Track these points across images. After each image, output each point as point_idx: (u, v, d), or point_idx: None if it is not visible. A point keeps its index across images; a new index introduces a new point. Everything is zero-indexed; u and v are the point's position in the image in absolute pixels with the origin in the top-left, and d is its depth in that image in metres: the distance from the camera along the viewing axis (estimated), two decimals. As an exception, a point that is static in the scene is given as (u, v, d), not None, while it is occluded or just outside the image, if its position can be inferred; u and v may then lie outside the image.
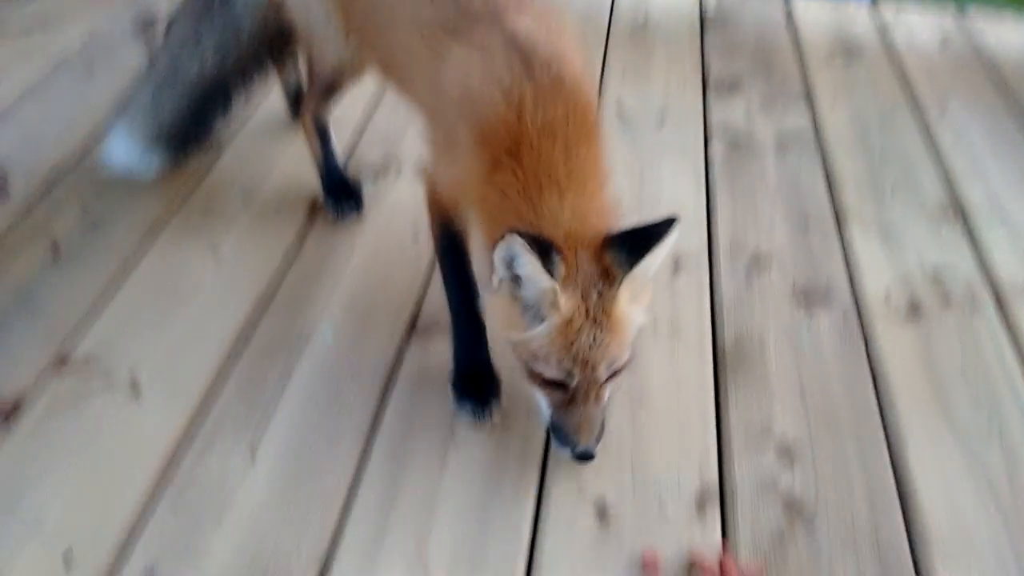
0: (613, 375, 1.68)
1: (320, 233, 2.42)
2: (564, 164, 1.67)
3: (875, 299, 2.31)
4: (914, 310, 2.28)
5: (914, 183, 2.79)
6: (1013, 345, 2.19)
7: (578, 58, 1.82)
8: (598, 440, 1.71)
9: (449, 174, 1.87)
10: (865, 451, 1.90)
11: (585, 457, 1.71)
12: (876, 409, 2.00)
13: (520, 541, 1.69)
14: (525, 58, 1.71)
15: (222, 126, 2.52)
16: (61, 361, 1.99)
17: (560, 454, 1.74)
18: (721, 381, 2.05)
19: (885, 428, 1.96)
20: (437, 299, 2.09)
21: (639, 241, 1.61)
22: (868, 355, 2.14)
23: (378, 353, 2.06)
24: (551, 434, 1.75)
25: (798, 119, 3.09)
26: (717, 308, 2.26)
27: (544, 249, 1.55)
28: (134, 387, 1.94)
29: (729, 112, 3.10)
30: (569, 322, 1.60)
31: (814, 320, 2.23)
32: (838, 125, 3.07)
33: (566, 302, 1.59)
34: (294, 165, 2.63)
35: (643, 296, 1.69)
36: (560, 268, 1.57)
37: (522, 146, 1.67)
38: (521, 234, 1.53)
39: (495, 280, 1.65)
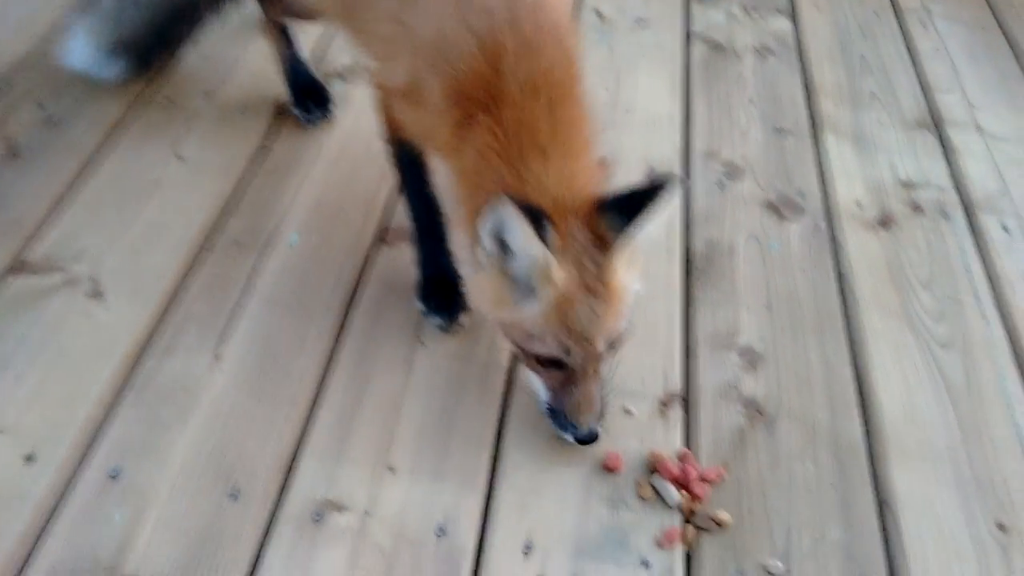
0: (611, 347, 1.59)
1: (286, 134, 2.36)
2: (548, 123, 1.52)
3: (846, 208, 2.30)
4: (884, 219, 2.28)
5: (892, 92, 2.76)
6: (979, 255, 2.21)
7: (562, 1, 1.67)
8: (600, 419, 1.62)
9: (411, 118, 1.72)
10: (828, 356, 1.92)
11: (589, 440, 1.61)
12: (841, 315, 2.01)
13: (484, 445, 1.70)
14: (509, 4, 1.54)
15: (188, 44, 2.44)
16: (20, 260, 1.95)
17: (563, 439, 1.65)
18: (690, 287, 2.05)
19: (849, 334, 1.98)
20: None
21: (634, 204, 1.47)
22: (836, 262, 2.15)
23: (345, 256, 2.04)
24: (549, 418, 1.65)
25: (779, 25, 3.02)
26: (689, 213, 2.24)
27: (536, 217, 1.42)
28: (95, 287, 1.91)
29: (709, 17, 3.02)
30: (565, 296, 1.48)
31: (784, 228, 2.22)
32: (819, 32, 3.01)
33: (560, 273, 1.47)
34: (260, 63, 2.55)
35: (637, 260, 1.57)
36: (553, 237, 1.44)
37: (503, 103, 1.52)
38: (512, 200, 1.39)
39: (479, 254, 1.52)
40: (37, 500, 1.54)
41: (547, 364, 1.57)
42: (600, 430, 1.62)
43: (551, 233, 1.44)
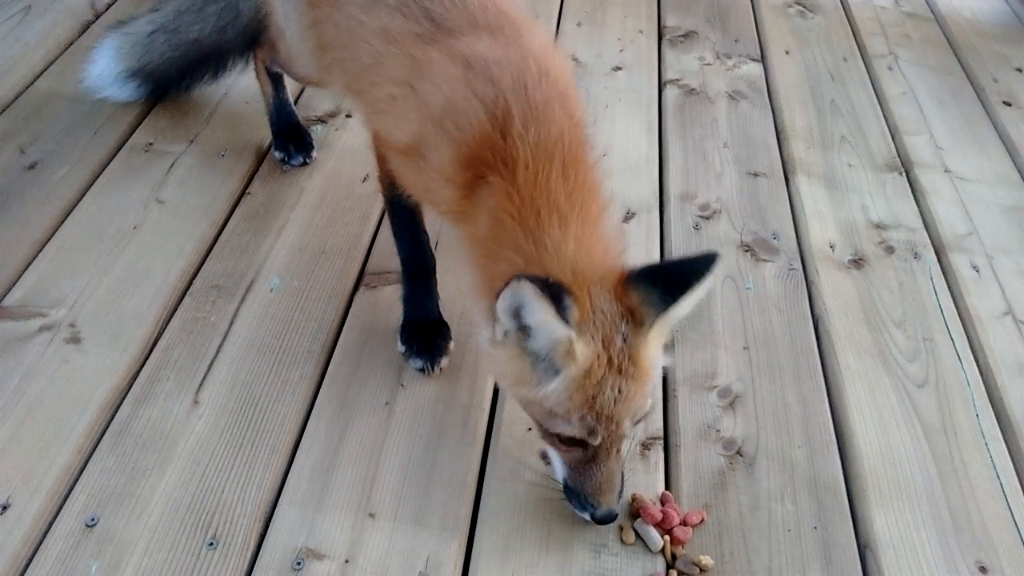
0: (635, 425, 1.52)
1: (267, 178, 2.38)
2: (563, 188, 1.49)
3: (819, 249, 2.34)
4: (857, 259, 2.32)
5: (861, 135, 2.82)
6: (950, 294, 2.25)
7: (566, 68, 1.68)
8: (620, 497, 1.55)
9: (411, 176, 1.72)
10: (805, 395, 1.94)
11: (608, 520, 1.54)
12: (817, 355, 2.04)
13: (466, 488, 1.70)
14: (516, 75, 1.55)
15: (206, 86, 2.54)
16: (-4, 306, 1.94)
17: (579, 517, 1.58)
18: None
19: (825, 374, 2.00)
20: (387, 245, 2.06)
21: (671, 278, 1.44)
22: (811, 303, 2.18)
23: (326, 300, 2.04)
24: (566, 495, 1.57)
25: (751, 70, 3.09)
26: (667, 255, 2.27)
27: (555, 294, 1.35)
28: (73, 333, 1.90)
29: (683, 63, 3.09)
30: (589, 373, 1.41)
31: (760, 269, 2.26)
32: (789, 77, 3.09)
33: (584, 350, 1.40)
34: (241, 108, 2.57)
35: (665, 334, 1.52)
36: (574, 312, 1.38)
37: (516, 167, 1.50)
38: (530, 279, 1.34)
39: (498, 331, 1.46)
40: (12, 550, 1.52)
41: (569, 443, 1.50)
42: (619, 509, 1.55)
43: (573, 309, 1.38)
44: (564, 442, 1.50)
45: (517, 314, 1.40)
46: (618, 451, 1.51)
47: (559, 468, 1.57)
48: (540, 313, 1.36)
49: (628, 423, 1.47)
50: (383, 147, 1.81)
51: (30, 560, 1.51)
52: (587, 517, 1.55)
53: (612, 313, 1.42)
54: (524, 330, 1.43)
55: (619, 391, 1.42)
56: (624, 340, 1.42)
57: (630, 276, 1.45)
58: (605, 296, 1.43)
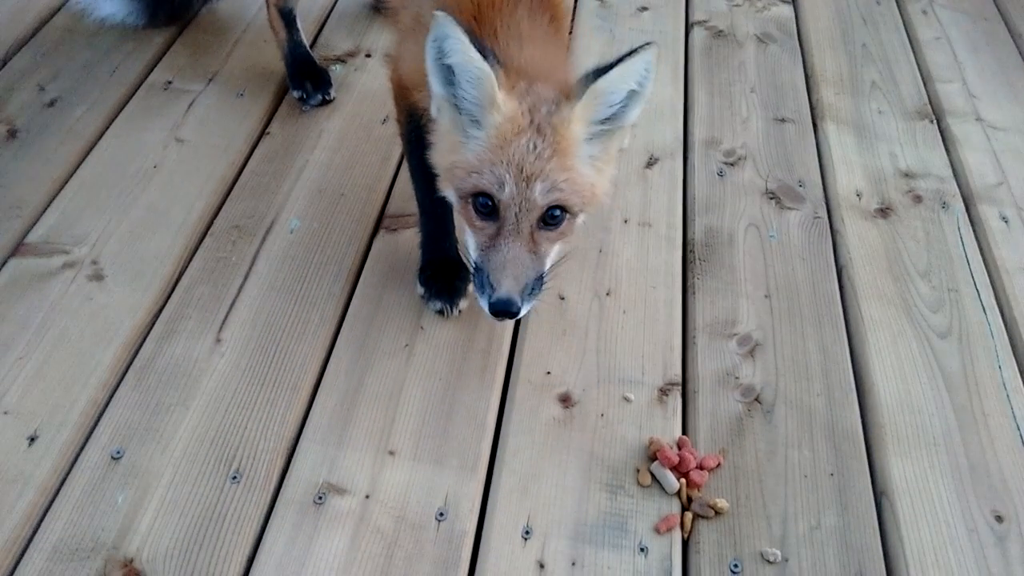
0: (553, 219, 1.51)
1: (286, 118, 2.36)
2: (527, 23, 1.57)
3: (846, 197, 2.30)
4: (884, 208, 2.28)
5: (892, 81, 2.75)
6: (977, 245, 2.21)
7: None
8: (527, 297, 1.50)
9: (415, 56, 1.74)
10: (826, 344, 1.92)
11: (501, 309, 1.49)
12: (839, 304, 2.02)
13: (485, 428, 1.71)
14: None
15: (204, 6, 2.51)
16: (21, 242, 1.95)
17: (480, 304, 1.55)
18: (689, 274, 2.06)
19: (847, 323, 1.98)
20: (406, 188, 2.05)
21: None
22: (835, 252, 2.15)
23: (346, 242, 2.04)
24: (474, 280, 1.57)
25: (781, 12, 3.01)
26: (689, 202, 2.25)
27: (479, 45, 1.42)
28: (96, 270, 1.91)
29: (711, 4, 3.02)
30: (508, 122, 1.45)
31: (784, 217, 2.23)
32: (821, 20, 3.01)
33: (507, 101, 1.45)
34: (260, 48, 2.55)
35: (606, 158, 1.55)
36: (499, 69, 1.44)
37: (482, 6, 1.58)
38: (449, 15, 1.40)
39: (433, 106, 1.54)
40: (40, 481, 1.55)
41: (481, 211, 1.51)
42: (521, 305, 1.50)
43: (494, 60, 1.44)
44: (475, 206, 1.51)
45: (441, 56, 1.44)
46: (531, 234, 1.50)
47: (472, 249, 1.57)
48: (458, 43, 1.40)
49: (540, 189, 1.46)
50: (402, 39, 1.85)
51: (58, 490, 1.55)
52: (483, 302, 1.53)
53: (547, 93, 1.48)
54: (450, 81, 1.47)
55: (534, 147, 1.45)
56: (550, 110, 1.46)
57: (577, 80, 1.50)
58: (547, 86, 1.48)
